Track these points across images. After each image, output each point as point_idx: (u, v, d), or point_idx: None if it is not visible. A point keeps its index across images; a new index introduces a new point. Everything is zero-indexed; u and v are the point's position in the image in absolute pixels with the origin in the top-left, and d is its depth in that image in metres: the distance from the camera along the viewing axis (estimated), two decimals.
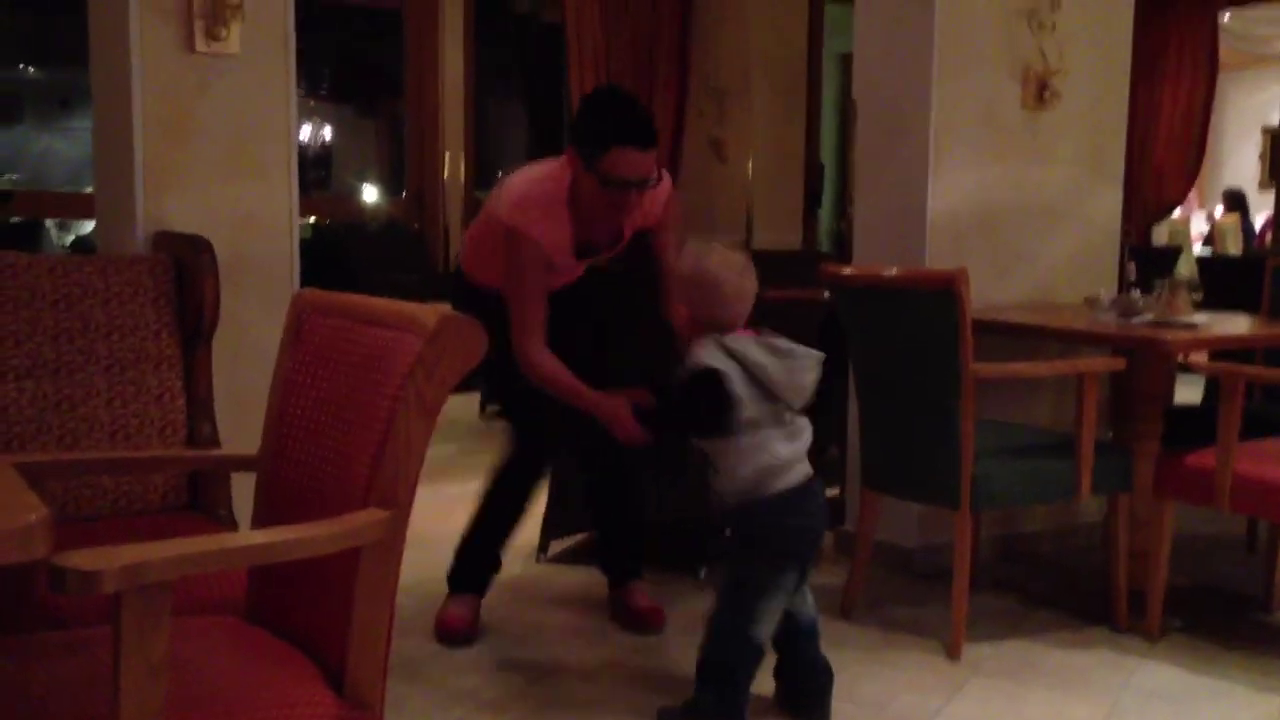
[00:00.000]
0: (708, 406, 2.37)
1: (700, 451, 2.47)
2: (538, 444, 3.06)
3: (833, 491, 4.04)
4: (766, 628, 2.41)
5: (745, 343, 2.39)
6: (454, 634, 2.96)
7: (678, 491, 3.35)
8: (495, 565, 3.12)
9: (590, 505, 3.22)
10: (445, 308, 1.67)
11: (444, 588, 3.14)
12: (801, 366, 2.41)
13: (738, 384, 2.35)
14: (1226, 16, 7.62)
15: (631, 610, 3.08)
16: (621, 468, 3.07)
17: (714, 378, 2.34)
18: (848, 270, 3.31)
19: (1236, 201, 9.35)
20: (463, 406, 5.92)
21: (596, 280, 3.04)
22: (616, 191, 2.67)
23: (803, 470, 2.45)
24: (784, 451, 2.41)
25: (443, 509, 4.03)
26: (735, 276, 2.43)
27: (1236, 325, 3.47)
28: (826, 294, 3.49)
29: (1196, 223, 9.47)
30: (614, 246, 2.90)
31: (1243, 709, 2.67)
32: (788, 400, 2.41)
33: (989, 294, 3.54)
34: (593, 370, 2.76)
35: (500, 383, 3.01)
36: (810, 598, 2.57)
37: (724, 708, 2.42)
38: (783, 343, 2.43)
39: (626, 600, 3.10)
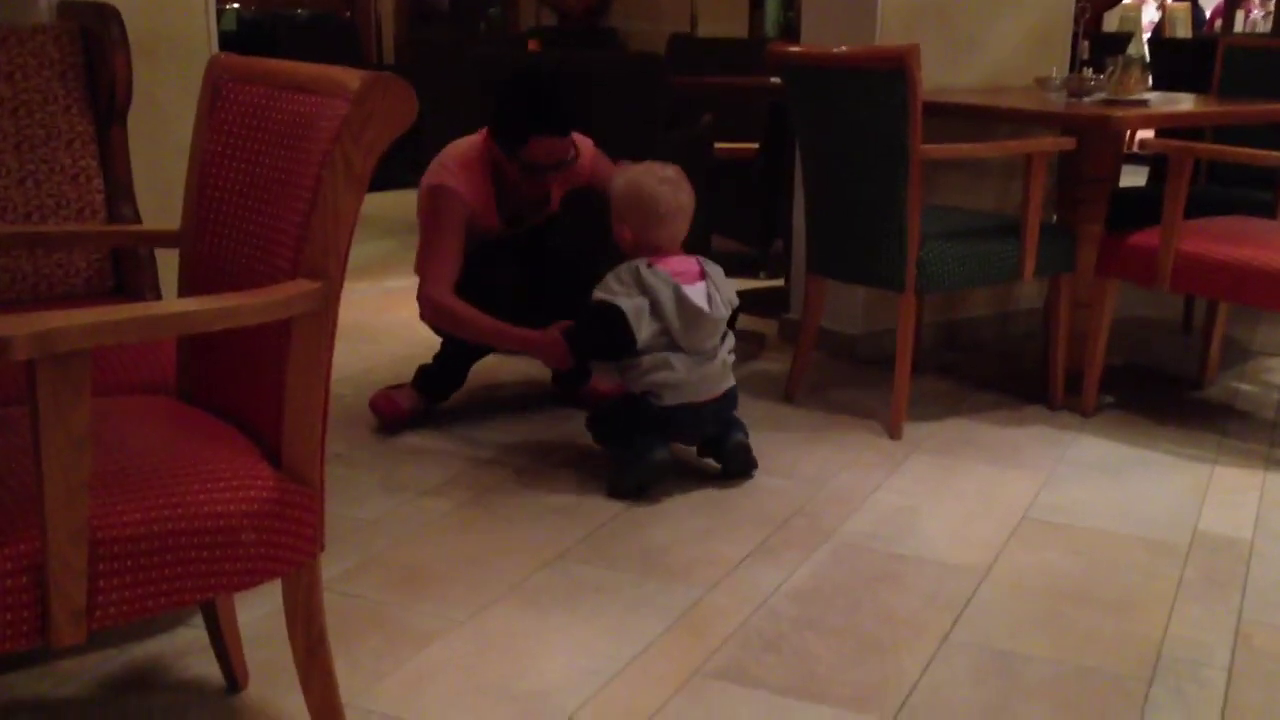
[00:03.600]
0: (605, 342, 2.55)
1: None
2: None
3: (777, 282, 4.04)
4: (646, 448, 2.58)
5: (662, 286, 2.49)
6: (381, 413, 2.96)
7: None
8: (456, 381, 3.08)
9: None
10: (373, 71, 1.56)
11: (385, 379, 3.12)
12: (705, 330, 2.54)
13: (643, 315, 2.48)
14: None
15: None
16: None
17: (613, 317, 2.48)
18: (795, 49, 3.20)
19: None
20: (403, 203, 5.78)
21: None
22: (539, 175, 2.83)
23: (695, 391, 2.56)
24: (683, 372, 2.53)
25: (384, 302, 3.97)
26: (670, 192, 2.57)
27: (1186, 104, 3.43)
28: (774, 80, 3.38)
29: (1147, 12, 9.30)
30: (542, 210, 2.97)
31: (1171, 476, 2.75)
32: (684, 346, 2.53)
33: (941, 78, 3.45)
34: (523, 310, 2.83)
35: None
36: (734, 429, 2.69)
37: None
38: (698, 298, 2.52)
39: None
